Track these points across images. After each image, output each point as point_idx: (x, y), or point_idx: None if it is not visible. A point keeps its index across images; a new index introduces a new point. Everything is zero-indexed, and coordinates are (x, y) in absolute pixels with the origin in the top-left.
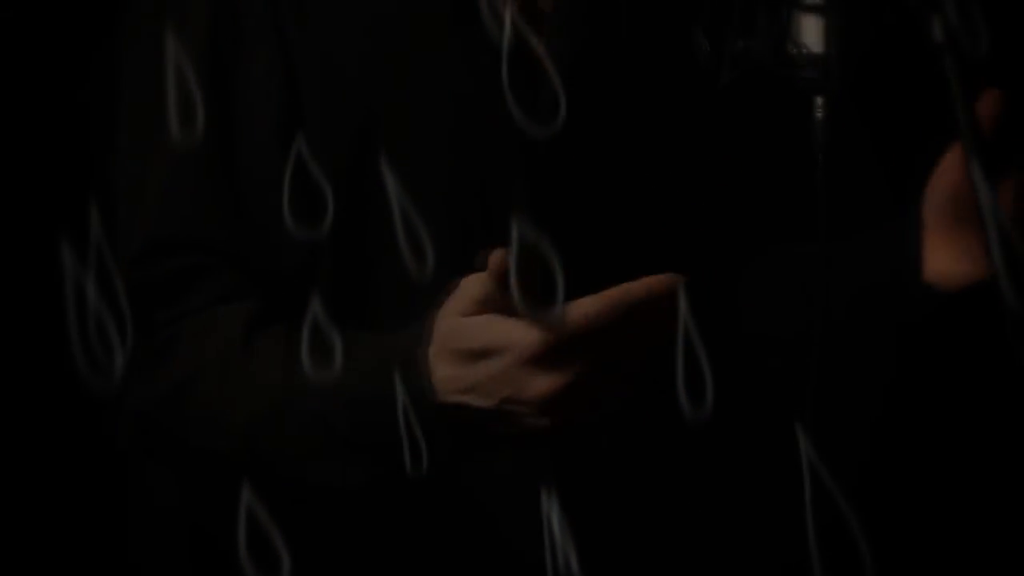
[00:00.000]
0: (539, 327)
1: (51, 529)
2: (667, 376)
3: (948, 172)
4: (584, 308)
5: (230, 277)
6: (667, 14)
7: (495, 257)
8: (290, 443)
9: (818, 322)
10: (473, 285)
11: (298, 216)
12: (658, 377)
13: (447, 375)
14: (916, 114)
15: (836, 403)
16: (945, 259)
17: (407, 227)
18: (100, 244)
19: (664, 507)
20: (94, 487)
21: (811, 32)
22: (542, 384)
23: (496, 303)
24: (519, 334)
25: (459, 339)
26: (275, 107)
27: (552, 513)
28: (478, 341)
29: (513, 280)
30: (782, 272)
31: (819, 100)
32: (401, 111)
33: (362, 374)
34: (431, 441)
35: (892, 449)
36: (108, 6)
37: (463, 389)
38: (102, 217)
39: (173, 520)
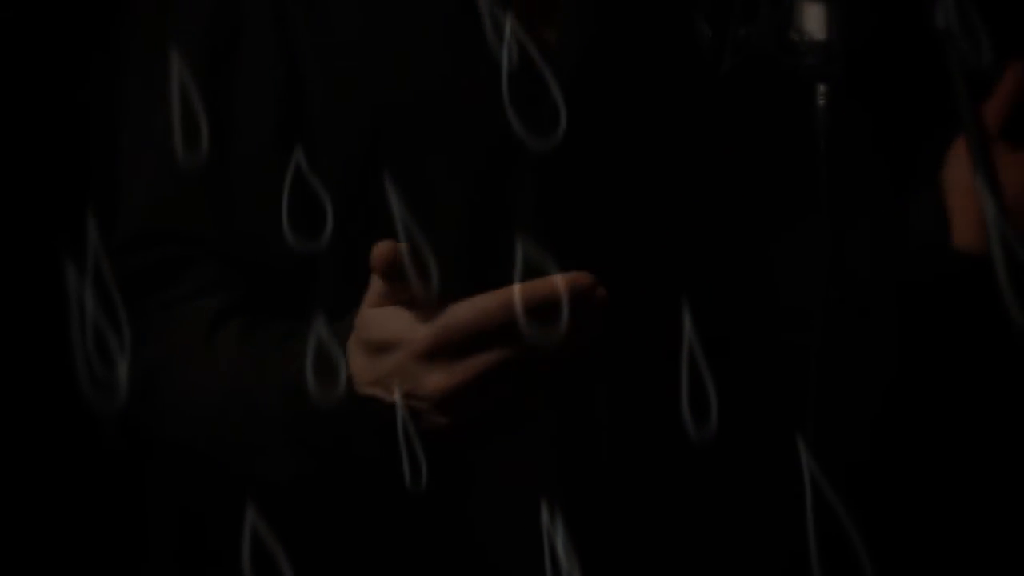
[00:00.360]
0: (432, 322)
1: (53, 534)
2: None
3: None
4: (474, 304)
5: (215, 270)
6: (670, 5)
7: (377, 250)
8: (238, 434)
9: (818, 326)
10: (377, 277)
11: (298, 225)
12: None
13: (359, 366)
14: (919, 101)
15: (837, 408)
16: (970, 223)
17: (411, 244)
18: (98, 254)
19: (666, 522)
20: (97, 491)
21: (813, 19)
22: (436, 380)
23: (400, 295)
24: (412, 328)
25: (366, 330)
26: (274, 105)
27: (555, 532)
28: (380, 333)
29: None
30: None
31: (821, 87)
32: (405, 118)
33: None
34: (359, 432)
35: (893, 456)
36: (108, 7)
37: (372, 381)
38: (100, 227)
39: (173, 526)
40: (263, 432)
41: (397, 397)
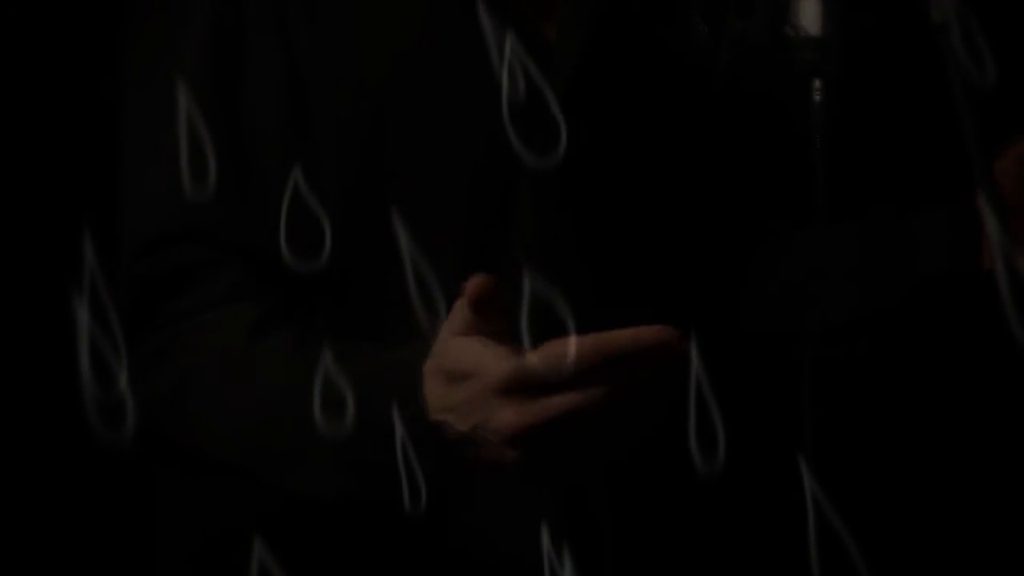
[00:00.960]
0: (510, 360)
1: (56, 553)
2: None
3: (1011, 169)
4: (556, 349)
5: (240, 273)
6: (670, 10)
7: (471, 284)
8: (278, 448)
9: (815, 337)
10: (463, 306)
11: (297, 242)
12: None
13: (434, 392)
14: (914, 97)
15: (837, 425)
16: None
17: (416, 272)
18: (94, 272)
19: (668, 548)
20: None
21: (809, 14)
22: (508, 417)
23: (482, 326)
24: (490, 362)
25: (445, 358)
26: (280, 107)
27: (556, 557)
28: (459, 363)
29: (524, 326)
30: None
31: (817, 83)
32: (404, 131)
33: (356, 387)
34: (422, 457)
35: (894, 472)
36: (107, 22)
37: (445, 408)
38: (96, 243)
39: (183, 536)
40: (308, 447)
41: (398, 428)
